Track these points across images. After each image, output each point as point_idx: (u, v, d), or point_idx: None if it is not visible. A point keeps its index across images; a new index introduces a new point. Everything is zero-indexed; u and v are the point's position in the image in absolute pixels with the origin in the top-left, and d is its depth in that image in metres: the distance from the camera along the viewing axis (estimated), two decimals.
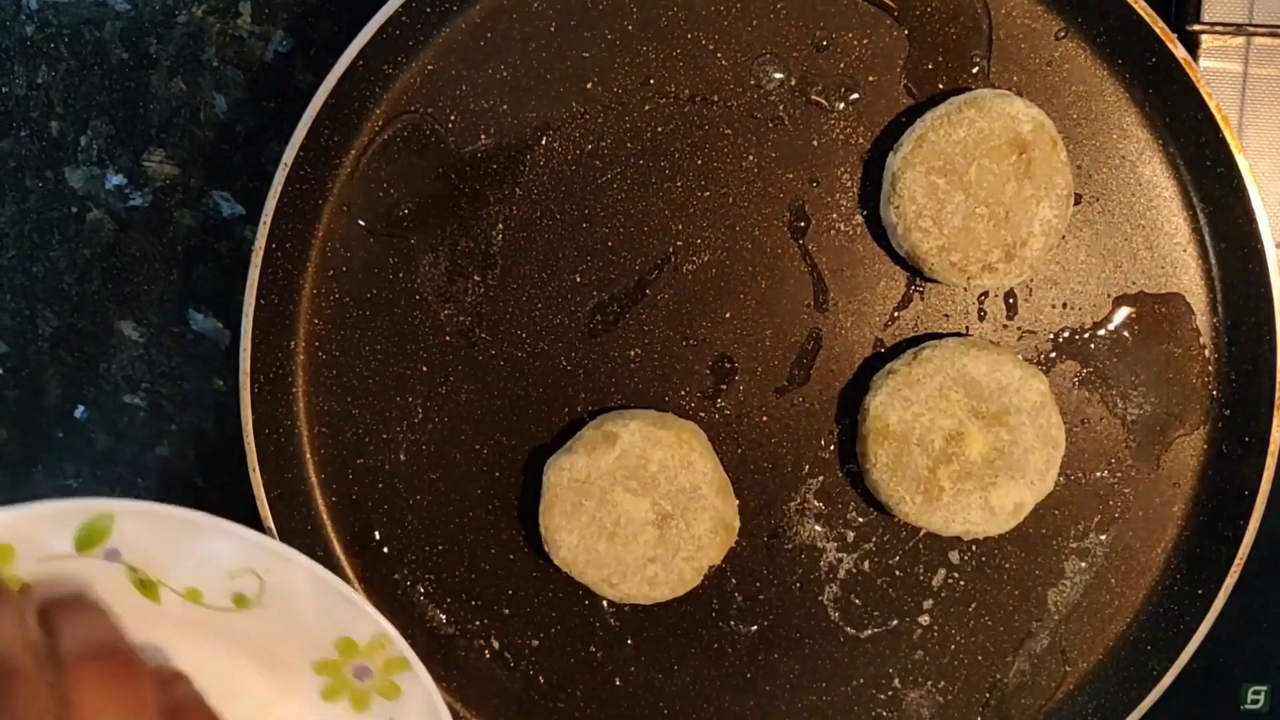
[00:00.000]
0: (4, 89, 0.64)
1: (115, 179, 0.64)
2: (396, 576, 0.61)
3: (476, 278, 0.60)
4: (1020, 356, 0.59)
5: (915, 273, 0.59)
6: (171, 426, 0.65)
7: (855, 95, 0.59)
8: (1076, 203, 0.59)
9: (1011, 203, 0.56)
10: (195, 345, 0.65)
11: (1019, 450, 0.56)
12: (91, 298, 0.65)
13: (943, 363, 0.57)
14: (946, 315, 0.60)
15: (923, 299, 0.60)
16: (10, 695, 0.36)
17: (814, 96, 0.59)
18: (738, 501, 0.59)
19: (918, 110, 0.58)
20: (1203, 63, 0.62)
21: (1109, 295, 0.60)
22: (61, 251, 0.65)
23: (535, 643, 0.61)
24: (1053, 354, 0.60)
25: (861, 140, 0.59)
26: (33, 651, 0.38)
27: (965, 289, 0.59)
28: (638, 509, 0.57)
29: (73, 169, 0.64)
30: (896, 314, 0.60)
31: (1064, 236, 0.59)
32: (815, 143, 0.59)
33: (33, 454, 0.65)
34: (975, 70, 0.59)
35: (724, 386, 0.60)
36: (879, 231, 0.59)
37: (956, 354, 0.57)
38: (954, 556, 0.61)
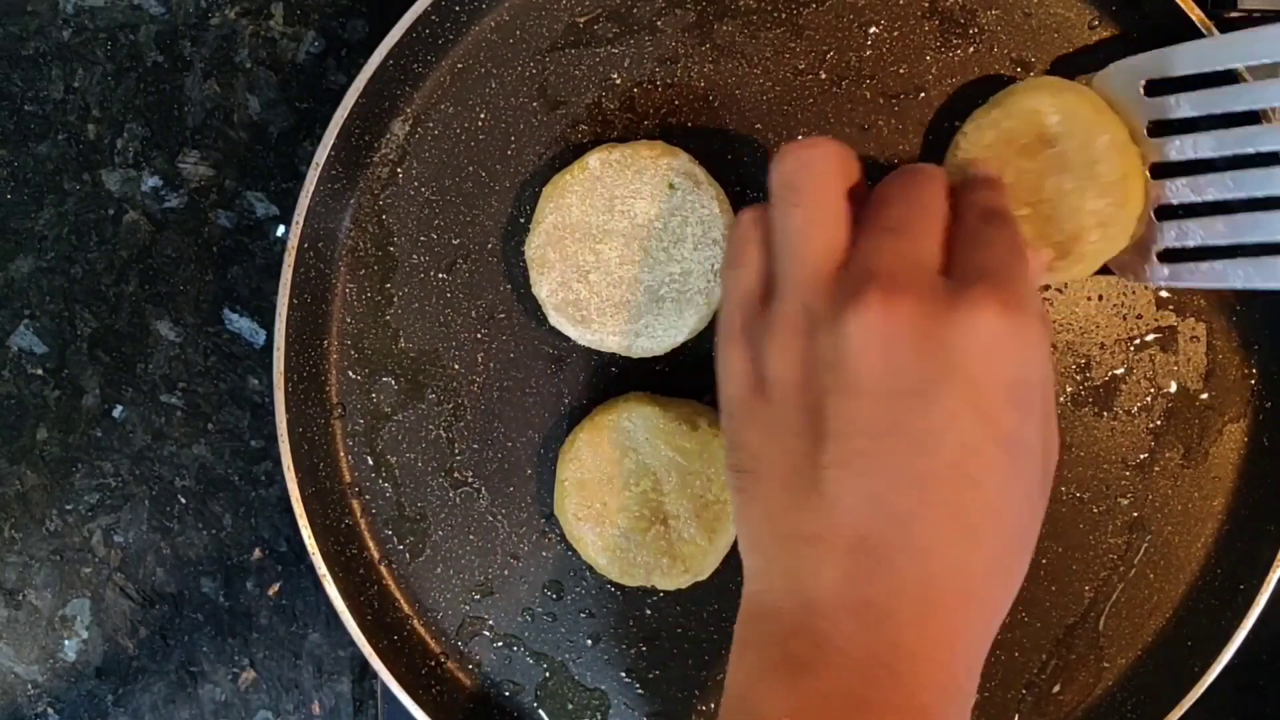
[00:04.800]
0: (41, 93, 0.65)
1: (151, 180, 0.65)
2: (437, 573, 0.61)
3: (507, 285, 0.60)
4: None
5: None
6: (208, 425, 0.66)
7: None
8: None
9: (1054, 199, 0.54)
10: (231, 345, 0.66)
11: None
12: (129, 298, 0.66)
13: None
14: None
15: None
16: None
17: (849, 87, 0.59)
18: None
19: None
20: None
21: (1146, 286, 0.59)
22: (99, 253, 0.65)
23: (571, 640, 0.61)
24: (1092, 347, 0.59)
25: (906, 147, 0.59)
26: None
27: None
28: (649, 484, 0.57)
29: (109, 171, 0.65)
30: None
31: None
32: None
33: (72, 453, 0.66)
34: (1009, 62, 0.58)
35: None
36: None
37: None
38: None
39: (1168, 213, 0.54)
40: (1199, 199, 0.52)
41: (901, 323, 0.37)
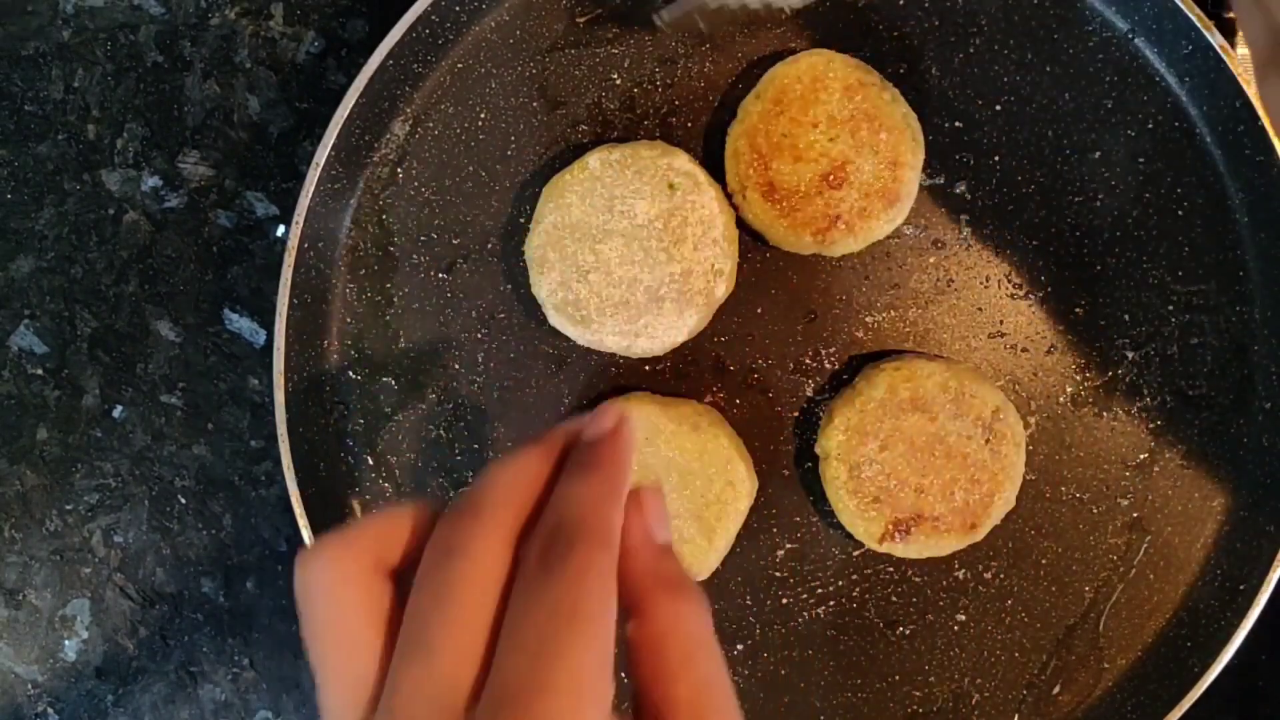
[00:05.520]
0: (41, 93, 0.65)
1: (151, 180, 0.65)
2: None
3: (507, 285, 0.60)
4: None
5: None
6: (208, 425, 0.66)
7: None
8: (1111, 194, 0.59)
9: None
10: (231, 345, 0.66)
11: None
12: (129, 298, 0.65)
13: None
14: (979, 308, 0.60)
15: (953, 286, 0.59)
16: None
17: None
18: (756, 481, 0.59)
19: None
20: (1240, 50, 0.61)
21: (1147, 286, 0.59)
22: (99, 253, 0.65)
23: None
24: (1093, 347, 0.59)
25: None
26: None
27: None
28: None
29: (109, 171, 0.65)
30: (934, 297, 0.60)
31: (1100, 228, 0.59)
32: None
33: (72, 454, 0.66)
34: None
35: (734, 380, 0.60)
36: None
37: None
38: (990, 552, 0.60)
39: None
40: None
41: None
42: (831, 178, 0.55)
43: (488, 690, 0.29)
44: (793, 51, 0.58)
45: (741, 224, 0.58)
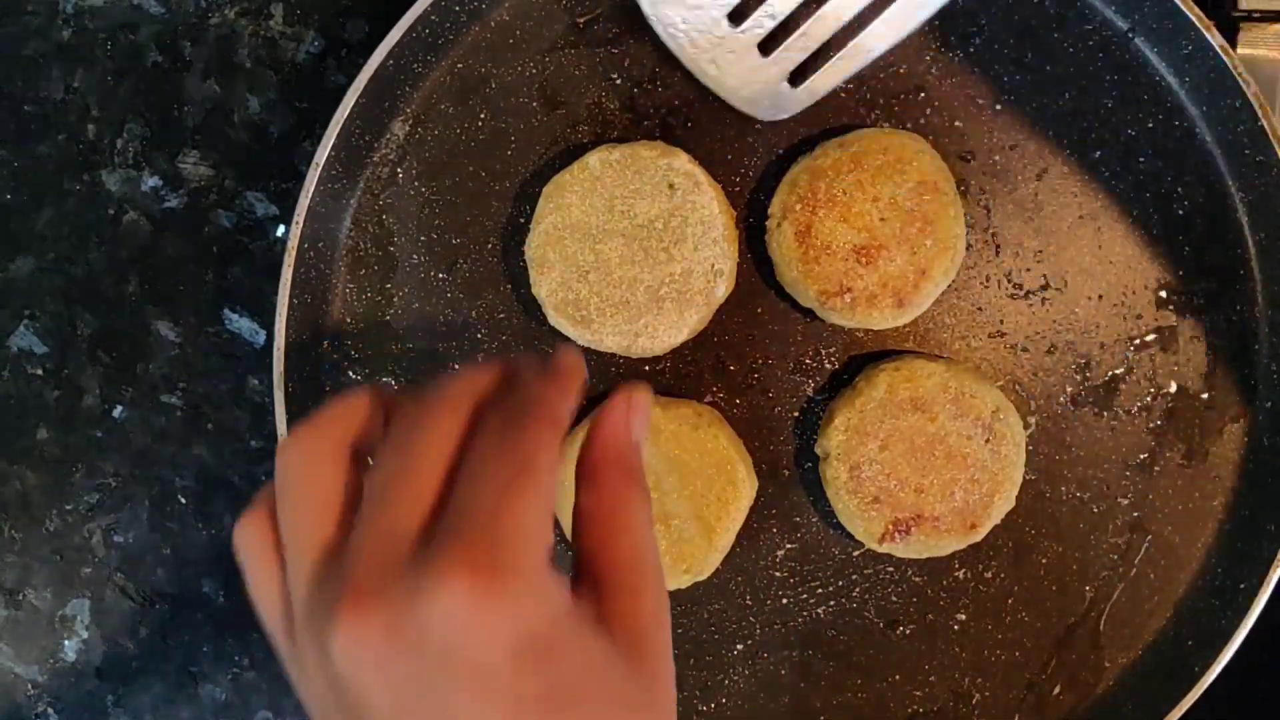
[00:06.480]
0: (42, 93, 0.65)
1: (151, 181, 0.65)
2: None
3: (507, 285, 0.60)
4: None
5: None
6: (208, 426, 0.66)
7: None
8: (1114, 192, 0.59)
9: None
10: (231, 345, 0.66)
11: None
12: (129, 299, 0.65)
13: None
14: (979, 308, 0.60)
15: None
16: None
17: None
18: (756, 481, 0.59)
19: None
20: (1241, 50, 0.61)
21: (1146, 286, 0.59)
22: (99, 253, 0.65)
23: None
24: (1092, 347, 0.59)
25: None
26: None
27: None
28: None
29: (109, 171, 0.65)
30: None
31: (1100, 228, 0.59)
32: None
33: (73, 454, 0.66)
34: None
35: (734, 380, 0.60)
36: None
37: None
38: (990, 552, 0.60)
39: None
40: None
41: (376, 635, 0.33)
42: (863, 254, 0.56)
43: (446, 518, 0.34)
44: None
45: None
